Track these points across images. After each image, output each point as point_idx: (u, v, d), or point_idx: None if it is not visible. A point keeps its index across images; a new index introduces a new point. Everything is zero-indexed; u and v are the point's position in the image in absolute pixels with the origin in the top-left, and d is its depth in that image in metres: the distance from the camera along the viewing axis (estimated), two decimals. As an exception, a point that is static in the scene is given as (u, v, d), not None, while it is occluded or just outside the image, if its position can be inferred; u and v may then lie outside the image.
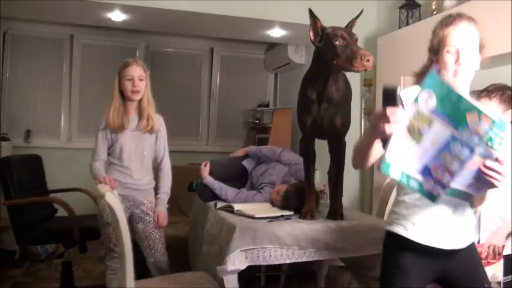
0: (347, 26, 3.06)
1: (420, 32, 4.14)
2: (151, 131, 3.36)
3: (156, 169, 3.52)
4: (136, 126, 3.33)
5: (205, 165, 3.95)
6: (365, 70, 2.75)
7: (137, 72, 3.29)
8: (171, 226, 3.55)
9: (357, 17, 3.12)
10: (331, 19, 5.17)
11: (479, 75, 2.06)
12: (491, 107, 2.67)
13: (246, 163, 4.14)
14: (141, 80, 3.30)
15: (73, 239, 3.91)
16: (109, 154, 3.38)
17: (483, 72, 2.10)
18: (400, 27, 4.59)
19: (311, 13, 2.95)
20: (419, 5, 4.49)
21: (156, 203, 3.42)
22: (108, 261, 3.30)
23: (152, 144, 3.41)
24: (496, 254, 2.57)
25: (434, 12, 4.14)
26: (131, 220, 3.34)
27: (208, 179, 3.85)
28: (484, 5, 3.48)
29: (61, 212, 4.17)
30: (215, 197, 3.79)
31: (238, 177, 4.10)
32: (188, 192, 4.44)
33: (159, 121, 3.42)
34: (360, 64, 2.70)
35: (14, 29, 6.27)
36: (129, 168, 3.33)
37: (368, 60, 2.69)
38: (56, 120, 6.55)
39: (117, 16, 5.16)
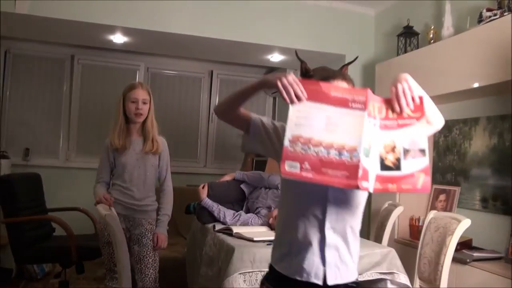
0: (340, 69, 3.05)
1: (418, 60, 4.23)
2: (155, 152, 3.40)
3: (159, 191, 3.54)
4: (141, 148, 3.37)
5: (203, 187, 3.97)
6: None
7: (142, 95, 3.34)
8: (168, 248, 3.54)
9: (350, 63, 3.11)
10: (329, 45, 5.29)
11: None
12: None
13: (244, 186, 4.16)
14: (144, 103, 3.36)
15: (71, 259, 3.91)
16: (112, 175, 3.41)
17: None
18: (398, 54, 4.65)
19: (297, 56, 3.00)
20: (417, 34, 4.55)
21: (156, 224, 3.43)
22: (109, 281, 3.29)
23: (155, 164, 3.43)
24: None
25: (432, 41, 4.20)
26: (129, 241, 3.35)
27: (206, 201, 3.86)
28: (481, 34, 3.55)
29: (59, 231, 4.17)
30: (213, 219, 3.80)
31: (235, 200, 4.12)
32: (185, 214, 4.44)
33: (162, 143, 3.46)
34: None
35: (16, 48, 6.31)
36: (130, 189, 3.35)
37: None
38: (55, 139, 6.56)
39: (118, 38, 5.22)
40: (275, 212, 3.51)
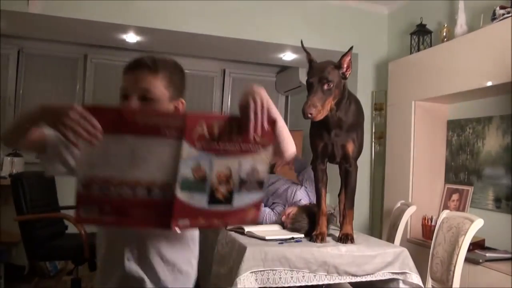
0: (340, 60, 3.05)
1: (431, 58, 4.21)
2: None
3: None
4: None
5: None
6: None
7: None
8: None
9: (346, 54, 3.07)
10: (342, 43, 5.27)
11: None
12: None
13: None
14: None
15: (83, 256, 3.93)
16: None
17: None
18: (411, 52, 4.62)
19: (303, 46, 3.02)
20: (430, 32, 4.52)
21: None
22: None
23: None
24: None
25: (445, 39, 4.18)
26: None
27: None
28: (495, 33, 3.52)
29: (72, 229, 4.19)
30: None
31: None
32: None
33: None
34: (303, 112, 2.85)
35: (29, 47, 6.34)
36: None
37: (304, 113, 2.84)
38: (68, 137, 6.59)
39: (131, 37, 5.23)
40: (288, 210, 3.50)
